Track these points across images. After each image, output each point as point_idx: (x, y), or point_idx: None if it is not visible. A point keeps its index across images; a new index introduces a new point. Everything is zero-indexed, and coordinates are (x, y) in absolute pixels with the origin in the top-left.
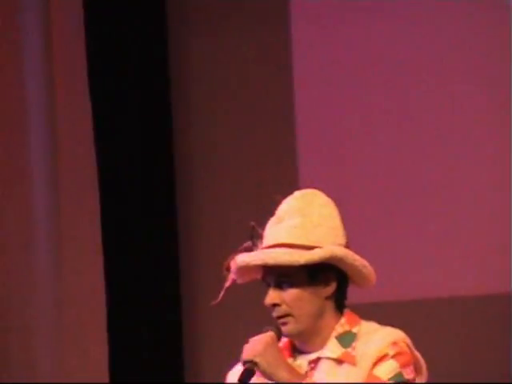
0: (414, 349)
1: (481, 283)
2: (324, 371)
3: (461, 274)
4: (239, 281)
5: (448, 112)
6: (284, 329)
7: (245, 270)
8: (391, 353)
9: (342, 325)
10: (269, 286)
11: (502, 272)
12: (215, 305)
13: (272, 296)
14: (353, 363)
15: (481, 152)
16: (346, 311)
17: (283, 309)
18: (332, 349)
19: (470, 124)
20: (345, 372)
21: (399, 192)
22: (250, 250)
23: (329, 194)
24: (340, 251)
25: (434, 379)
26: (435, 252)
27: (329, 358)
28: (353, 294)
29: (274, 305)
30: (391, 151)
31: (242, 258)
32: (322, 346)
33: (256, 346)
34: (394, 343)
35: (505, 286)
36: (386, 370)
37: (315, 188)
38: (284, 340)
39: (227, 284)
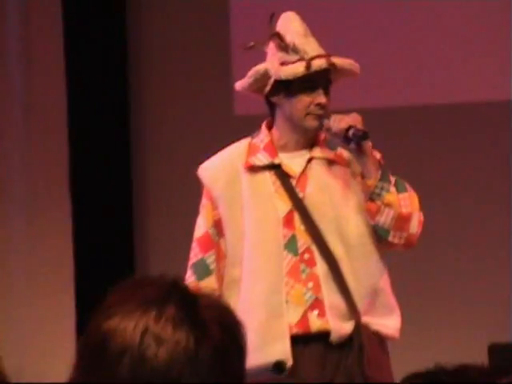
0: None
1: (480, 90)
2: (320, 169)
3: (460, 80)
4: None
5: None
6: (315, 124)
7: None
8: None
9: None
10: (309, 89)
11: (502, 79)
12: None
13: (324, 97)
14: (345, 164)
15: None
16: None
17: (324, 110)
18: (323, 150)
19: None
20: (339, 171)
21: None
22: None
23: None
24: None
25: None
26: (434, 58)
27: (322, 158)
28: (362, 99)
29: (325, 106)
30: None
31: (341, 61)
32: (309, 147)
33: (358, 117)
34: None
35: (505, 93)
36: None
37: None
38: (264, 140)
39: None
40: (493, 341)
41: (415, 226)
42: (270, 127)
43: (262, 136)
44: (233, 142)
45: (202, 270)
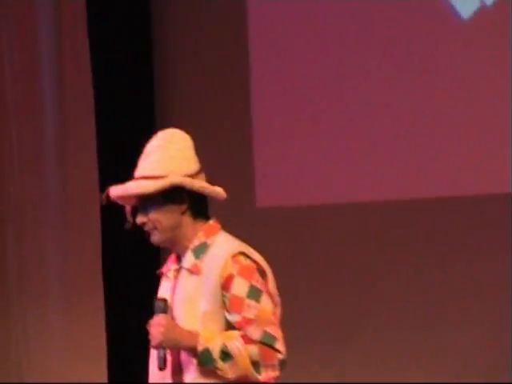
0: (252, 254)
1: (479, 183)
2: (182, 280)
3: (459, 173)
4: (120, 201)
5: None
6: (151, 239)
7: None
8: (234, 271)
9: (198, 237)
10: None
11: (501, 172)
12: None
13: (140, 217)
14: (198, 273)
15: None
16: (209, 222)
17: (149, 225)
18: (188, 259)
19: None
20: (194, 281)
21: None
22: None
23: None
24: (177, 179)
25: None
26: (434, 151)
27: (185, 268)
28: (359, 193)
29: (143, 223)
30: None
31: (112, 191)
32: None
33: (157, 333)
34: (233, 257)
35: (504, 186)
36: (240, 288)
37: None
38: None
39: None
40: None
41: (254, 376)
42: None
43: None
44: None
45: None
